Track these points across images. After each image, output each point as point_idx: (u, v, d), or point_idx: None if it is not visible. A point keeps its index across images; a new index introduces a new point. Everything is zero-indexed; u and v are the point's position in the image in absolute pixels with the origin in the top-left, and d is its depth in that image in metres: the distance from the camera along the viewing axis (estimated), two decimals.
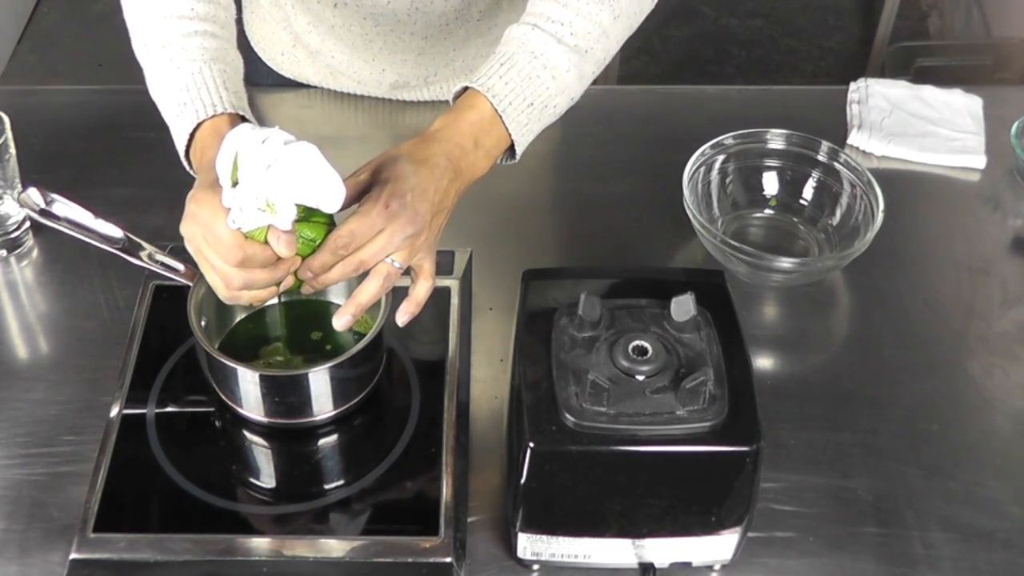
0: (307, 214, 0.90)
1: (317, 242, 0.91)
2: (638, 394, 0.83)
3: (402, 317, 0.96)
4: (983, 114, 1.34)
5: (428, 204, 0.92)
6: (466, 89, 0.99)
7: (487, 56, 1.30)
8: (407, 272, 0.95)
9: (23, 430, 1.02)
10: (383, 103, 1.34)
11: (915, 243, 1.23)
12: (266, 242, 0.88)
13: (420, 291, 0.96)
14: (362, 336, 0.98)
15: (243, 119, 0.99)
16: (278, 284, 0.93)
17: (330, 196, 0.86)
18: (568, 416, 0.82)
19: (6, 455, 1.00)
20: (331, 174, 0.86)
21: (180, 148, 0.99)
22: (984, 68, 2.47)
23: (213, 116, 0.96)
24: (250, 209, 0.85)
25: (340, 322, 0.94)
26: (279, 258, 0.89)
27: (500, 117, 0.97)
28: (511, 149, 1.00)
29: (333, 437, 1.02)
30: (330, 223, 0.92)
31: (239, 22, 1.39)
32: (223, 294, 0.92)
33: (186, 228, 0.90)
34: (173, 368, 1.05)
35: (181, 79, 0.98)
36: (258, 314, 1.05)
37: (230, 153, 0.85)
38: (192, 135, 0.97)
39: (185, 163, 0.99)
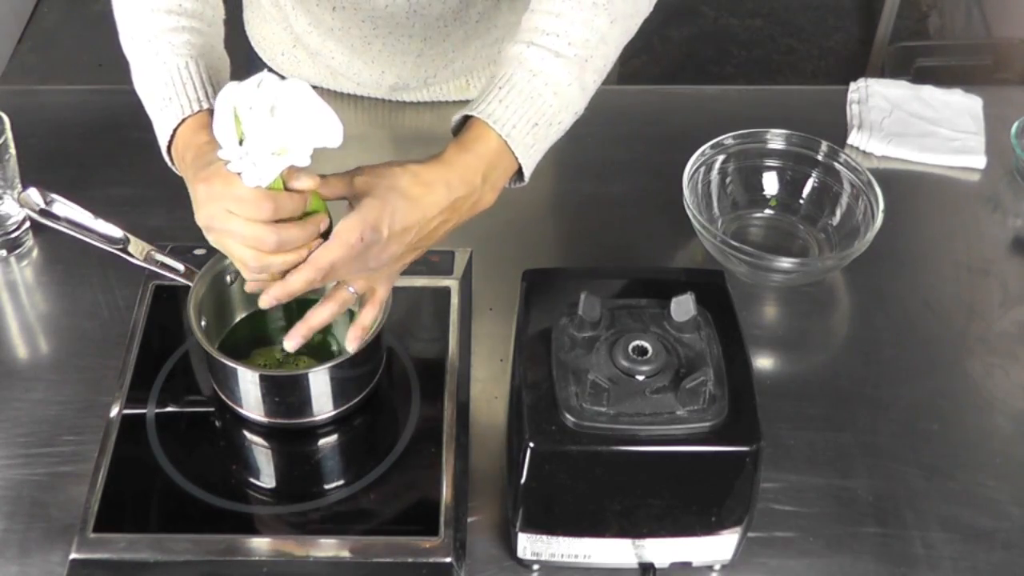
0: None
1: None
2: (638, 394, 0.83)
3: (351, 344, 0.95)
4: (983, 114, 1.34)
5: (403, 244, 0.90)
6: (468, 117, 0.96)
7: (487, 57, 1.31)
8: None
9: (23, 430, 1.02)
10: (383, 103, 1.34)
11: (915, 243, 1.23)
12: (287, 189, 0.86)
13: (366, 317, 0.95)
14: None
15: None
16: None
17: (331, 130, 0.84)
18: (568, 416, 0.82)
19: (6, 455, 1.00)
20: (327, 109, 0.84)
21: (163, 142, 0.97)
22: (984, 68, 2.47)
23: (197, 112, 0.95)
24: (264, 158, 0.83)
25: (291, 344, 0.94)
26: (305, 217, 0.88)
27: (506, 143, 0.94)
28: (519, 172, 0.98)
29: (333, 437, 1.02)
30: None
31: (240, 22, 1.39)
32: (254, 264, 0.88)
33: (203, 212, 0.87)
34: (173, 368, 1.05)
35: (167, 74, 0.97)
36: (258, 314, 1.05)
37: (228, 112, 0.82)
38: (175, 131, 0.96)
39: (167, 158, 0.97)
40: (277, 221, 0.86)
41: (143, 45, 0.99)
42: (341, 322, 1.04)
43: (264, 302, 0.91)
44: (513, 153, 0.95)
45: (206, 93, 0.95)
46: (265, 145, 0.83)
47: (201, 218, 0.88)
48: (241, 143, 0.83)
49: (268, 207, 0.85)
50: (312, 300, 1.02)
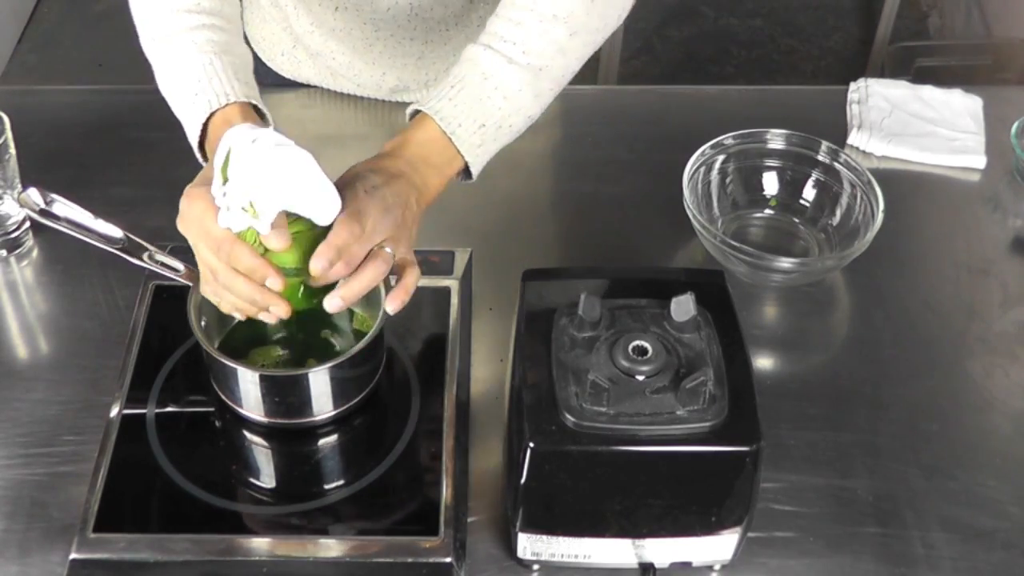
0: (301, 265, 0.89)
1: (293, 290, 0.91)
2: (638, 394, 0.83)
3: (392, 305, 0.94)
4: (983, 114, 1.34)
5: (392, 189, 0.92)
6: (418, 111, 0.99)
7: None
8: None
9: (23, 430, 1.02)
10: (383, 103, 1.34)
11: (915, 243, 1.23)
12: (255, 242, 0.88)
13: (410, 279, 0.94)
14: (362, 336, 0.98)
15: (256, 109, 0.99)
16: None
17: (323, 207, 0.86)
18: (568, 416, 0.82)
19: (6, 455, 1.00)
20: (325, 184, 0.85)
21: (193, 140, 0.98)
22: (984, 68, 2.47)
23: (225, 105, 0.96)
24: (236, 209, 0.85)
25: (332, 304, 0.91)
26: (261, 279, 0.89)
27: (450, 139, 0.98)
28: (468, 170, 1.00)
29: (333, 437, 1.02)
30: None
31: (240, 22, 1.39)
32: (207, 291, 0.93)
33: (180, 222, 0.91)
34: (173, 368, 1.05)
35: (192, 70, 0.98)
36: None
37: (224, 150, 0.84)
38: (205, 127, 0.97)
39: (199, 155, 0.99)
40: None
41: (165, 45, 1.00)
42: (343, 322, 1.04)
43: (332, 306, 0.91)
44: (457, 148, 0.98)
45: (233, 87, 0.97)
46: (238, 197, 0.84)
47: (179, 225, 0.92)
48: (225, 183, 0.85)
49: (223, 252, 0.88)
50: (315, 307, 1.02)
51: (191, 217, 0.89)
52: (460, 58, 1.01)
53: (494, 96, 0.99)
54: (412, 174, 0.96)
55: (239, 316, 0.94)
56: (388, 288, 0.95)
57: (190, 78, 0.98)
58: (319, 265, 0.87)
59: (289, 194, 0.84)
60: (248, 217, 0.85)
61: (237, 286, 0.90)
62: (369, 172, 0.93)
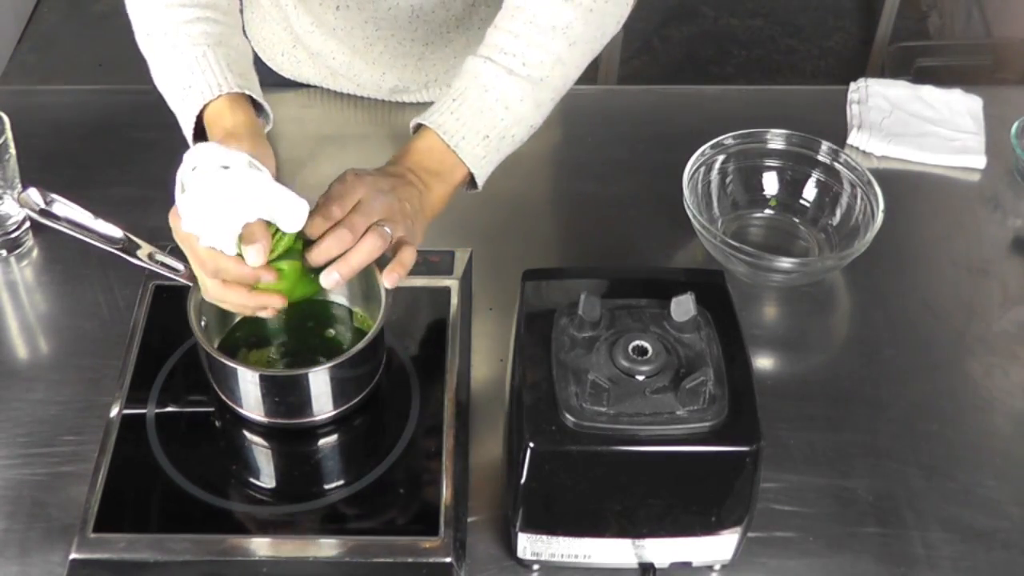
0: (284, 253, 0.90)
1: (292, 278, 0.91)
2: (638, 394, 0.83)
3: (389, 279, 0.93)
4: (983, 114, 1.34)
5: (388, 181, 0.94)
6: (421, 125, 1.00)
7: None
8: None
9: (23, 430, 1.02)
10: (383, 103, 1.34)
11: (915, 243, 1.23)
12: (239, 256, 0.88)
13: (406, 255, 0.94)
14: (362, 336, 0.98)
15: (253, 101, 0.99)
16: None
17: (288, 214, 0.87)
18: (568, 416, 0.82)
19: (6, 455, 1.00)
20: (287, 195, 0.86)
21: (188, 134, 0.99)
22: (984, 68, 2.47)
23: (218, 96, 0.96)
24: (194, 229, 0.87)
25: (329, 280, 0.91)
26: (252, 285, 0.90)
27: (453, 151, 0.99)
28: (473, 181, 1.01)
29: (333, 437, 1.02)
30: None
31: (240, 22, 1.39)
32: (206, 296, 0.94)
33: (174, 229, 0.91)
34: (173, 368, 1.05)
35: (184, 63, 0.98)
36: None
37: (188, 165, 0.86)
38: (200, 120, 0.97)
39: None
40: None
41: (159, 40, 1.01)
42: (343, 321, 1.04)
43: (329, 283, 0.92)
44: (461, 159, 0.99)
45: (225, 78, 0.97)
46: (193, 227, 0.86)
47: (174, 232, 0.93)
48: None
49: (210, 265, 0.89)
50: (315, 301, 1.02)
51: (176, 236, 0.91)
52: (460, 71, 1.02)
53: (496, 108, 0.99)
54: (413, 177, 0.97)
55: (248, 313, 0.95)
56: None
57: (183, 71, 0.98)
58: (315, 229, 0.90)
59: (245, 211, 0.86)
60: (203, 236, 0.87)
61: (229, 297, 0.91)
62: (365, 171, 0.95)
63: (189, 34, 0.99)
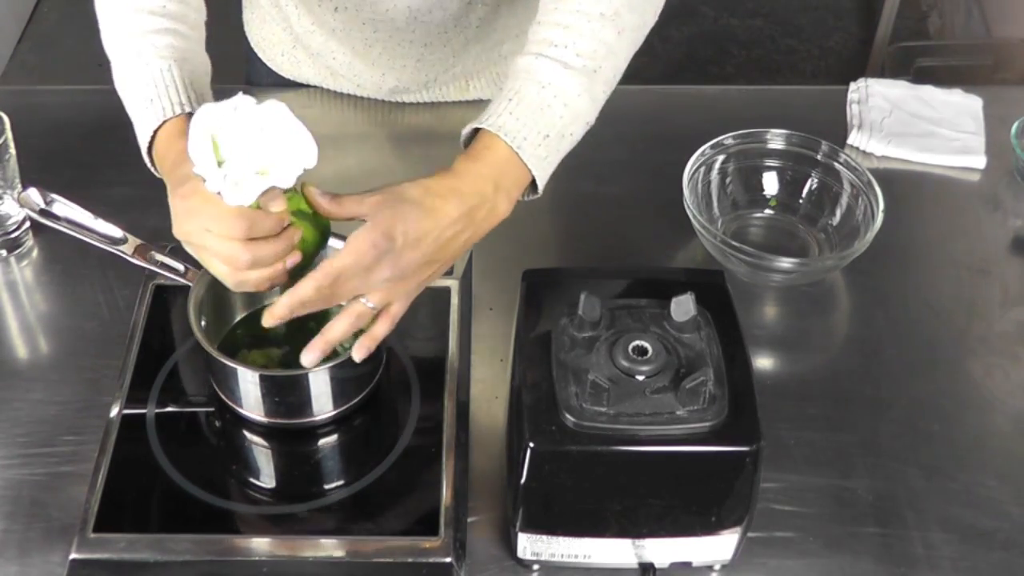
0: (293, 214, 0.89)
1: (311, 238, 0.90)
2: (638, 394, 0.83)
3: (358, 352, 0.94)
4: (983, 114, 1.34)
5: (418, 253, 0.89)
6: (478, 130, 0.95)
7: (487, 60, 1.31)
8: None
9: (23, 430, 1.02)
10: (383, 103, 1.34)
11: (915, 243, 1.23)
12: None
13: (378, 329, 0.93)
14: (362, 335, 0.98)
15: None
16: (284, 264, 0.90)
17: (307, 151, 0.86)
18: (568, 416, 0.82)
19: (6, 455, 1.00)
20: (304, 130, 0.85)
21: (143, 143, 0.97)
22: (984, 68, 2.47)
23: (179, 115, 0.95)
24: (247, 178, 0.84)
25: (308, 358, 0.92)
26: (280, 232, 0.88)
27: (517, 154, 0.94)
28: (532, 184, 0.97)
29: (333, 437, 1.02)
30: (323, 223, 0.91)
31: (240, 22, 1.39)
32: (231, 280, 0.89)
33: (180, 228, 0.88)
34: (173, 368, 1.05)
35: (149, 74, 0.97)
36: (257, 314, 1.05)
37: (205, 136, 0.84)
38: (155, 133, 0.96)
39: (146, 159, 0.98)
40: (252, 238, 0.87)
41: (125, 44, 0.99)
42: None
43: (268, 320, 0.90)
44: (525, 164, 0.94)
45: (188, 97, 0.96)
46: (248, 165, 0.84)
47: (179, 233, 0.89)
48: (220, 164, 0.84)
49: (242, 226, 0.86)
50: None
51: (193, 210, 0.87)
52: (511, 71, 0.98)
53: (554, 104, 0.95)
54: (478, 207, 0.92)
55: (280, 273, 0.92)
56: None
57: (147, 82, 0.96)
58: (311, 283, 0.88)
59: (288, 143, 0.85)
60: (264, 180, 0.84)
61: (263, 251, 0.87)
62: (410, 206, 0.89)
63: (155, 45, 0.98)
